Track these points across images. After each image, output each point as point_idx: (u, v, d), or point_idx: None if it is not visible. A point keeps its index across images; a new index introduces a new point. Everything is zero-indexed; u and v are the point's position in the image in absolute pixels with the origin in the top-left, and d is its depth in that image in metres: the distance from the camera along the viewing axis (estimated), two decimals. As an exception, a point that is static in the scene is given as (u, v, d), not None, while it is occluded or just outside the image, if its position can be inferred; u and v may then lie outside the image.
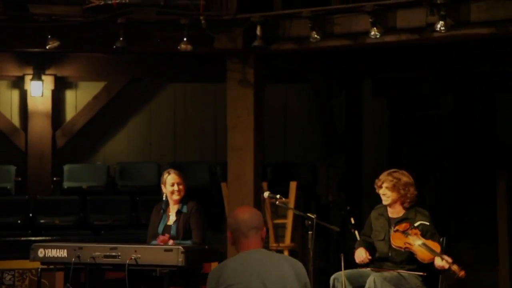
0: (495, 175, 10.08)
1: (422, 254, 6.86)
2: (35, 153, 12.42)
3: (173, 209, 7.92)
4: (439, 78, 11.63)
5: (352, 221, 10.37)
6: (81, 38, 9.18)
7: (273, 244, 9.51)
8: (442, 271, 6.81)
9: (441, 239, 6.95)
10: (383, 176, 7.09)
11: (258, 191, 8.86)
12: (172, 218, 7.90)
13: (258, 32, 8.51)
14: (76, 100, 13.02)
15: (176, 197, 7.87)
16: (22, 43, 9.38)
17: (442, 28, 7.77)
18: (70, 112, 12.97)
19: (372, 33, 8.07)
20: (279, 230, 9.82)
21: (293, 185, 9.75)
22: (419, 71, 11.14)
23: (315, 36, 8.33)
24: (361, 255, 7.20)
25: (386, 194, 7.05)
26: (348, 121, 12.27)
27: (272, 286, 4.62)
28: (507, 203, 10.13)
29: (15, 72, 12.47)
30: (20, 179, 12.38)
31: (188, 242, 7.71)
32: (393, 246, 7.01)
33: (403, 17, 8.11)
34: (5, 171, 12.36)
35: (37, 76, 12.36)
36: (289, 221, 9.80)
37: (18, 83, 12.69)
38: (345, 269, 7.07)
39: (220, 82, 10.09)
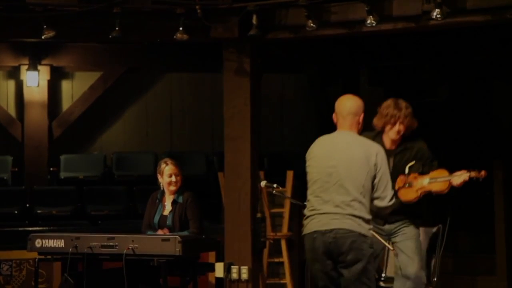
0: (492, 164, 10.08)
1: (437, 187, 6.53)
2: (32, 143, 12.41)
3: (168, 199, 7.92)
4: (436, 66, 11.62)
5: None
6: (77, 28, 9.15)
7: (270, 233, 9.52)
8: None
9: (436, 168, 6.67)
10: (394, 111, 6.73)
11: (255, 181, 8.85)
12: (168, 208, 7.91)
13: (254, 21, 8.49)
14: (72, 90, 13.01)
15: (173, 188, 7.87)
16: (18, 33, 9.35)
17: (438, 16, 7.75)
18: (66, 102, 12.96)
19: (368, 21, 8.06)
20: (276, 219, 9.83)
21: (290, 174, 9.76)
22: (415, 60, 11.13)
23: (311, 25, 8.31)
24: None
25: (400, 131, 6.73)
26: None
27: (340, 164, 5.57)
28: (504, 191, 10.13)
29: (11, 62, 12.46)
30: (16, 169, 12.38)
31: (185, 233, 7.72)
32: (409, 203, 6.63)
33: (399, 5, 8.10)
34: (1, 162, 12.36)
35: (33, 66, 12.36)
36: (286, 210, 9.81)
37: (14, 73, 12.68)
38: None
39: (216, 72, 10.07)
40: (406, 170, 6.67)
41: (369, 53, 11.28)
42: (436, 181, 6.57)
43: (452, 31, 9.43)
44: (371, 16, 8.02)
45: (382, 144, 6.63)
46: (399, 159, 6.72)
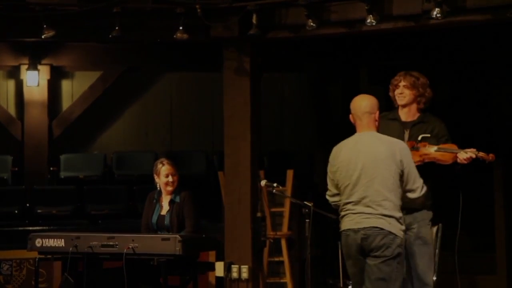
0: (491, 162, 10.07)
1: (443, 156, 6.50)
2: (32, 143, 12.41)
3: (166, 199, 7.92)
4: (436, 65, 11.62)
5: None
6: (77, 28, 9.15)
7: (270, 233, 9.52)
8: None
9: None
10: (399, 76, 6.74)
11: (255, 180, 8.85)
12: (165, 208, 7.89)
13: (254, 20, 8.49)
14: (72, 90, 13.02)
15: (170, 188, 7.86)
16: (18, 33, 9.36)
17: (438, 15, 7.75)
18: (66, 101, 12.96)
19: (368, 20, 8.06)
20: (276, 219, 9.84)
21: (290, 173, 9.76)
22: (415, 59, 11.13)
23: (311, 24, 8.31)
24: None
25: (403, 93, 6.68)
26: (345, 109, 12.22)
27: (367, 165, 5.77)
28: (504, 191, 10.14)
29: (10, 62, 12.46)
30: (16, 169, 12.38)
31: (181, 233, 7.70)
32: None
33: (399, 4, 8.10)
34: (1, 161, 12.36)
35: (33, 66, 12.36)
36: (286, 210, 9.81)
37: (14, 73, 12.68)
38: (342, 257, 7.05)
39: (216, 71, 10.08)
40: (419, 138, 6.62)
41: (369, 52, 11.28)
42: (443, 151, 6.52)
43: (452, 30, 9.44)
44: (371, 15, 8.02)
45: (398, 117, 6.67)
46: (415, 132, 6.63)
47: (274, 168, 11.35)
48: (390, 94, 6.80)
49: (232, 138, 9.06)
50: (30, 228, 10.63)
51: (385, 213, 5.78)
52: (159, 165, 7.91)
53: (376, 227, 5.77)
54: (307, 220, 6.84)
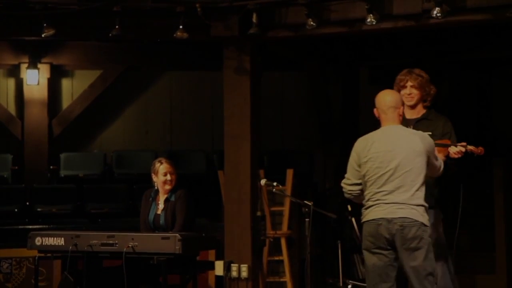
0: (492, 162, 10.08)
1: (438, 152, 6.43)
2: (32, 141, 12.42)
3: (162, 198, 7.91)
4: (435, 64, 11.63)
5: (349, 208, 10.39)
6: (77, 26, 9.15)
7: (270, 232, 9.53)
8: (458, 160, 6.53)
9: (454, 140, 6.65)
10: (404, 75, 6.74)
11: (255, 179, 8.86)
12: (161, 207, 7.89)
13: (254, 19, 8.49)
14: (72, 88, 13.02)
15: (168, 186, 7.85)
16: (18, 31, 9.36)
17: (438, 15, 7.76)
18: (66, 100, 12.97)
19: (368, 20, 8.06)
20: (276, 218, 9.84)
21: (289, 172, 9.76)
22: (415, 58, 11.13)
23: (311, 23, 8.31)
24: None
25: (412, 93, 6.70)
26: (345, 109, 12.27)
27: (403, 157, 5.84)
28: (504, 190, 10.14)
29: (10, 60, 12.46)
30: (16, 167, 12.38)
31: None
32: None
33: (399, 3, 8.10)
34: (1, 160, 12.36)
35: (33, 65, 12.36)
36: (286, 209, 9.81)
37: (14, 71, 12.69)
38: (341, 256, 7.06)
39: (216, 70, 10.08)
40: None
41: (369, 52, 11.28)
42: (437, 146, 6.46)
43: (452, 29, 9.44)
44: (371, 15, 8.02)
45: (404, 115, 6.57)
46: (418, 129, 6.57)
47: (274, 167, 11.36)
48: (395, 90, 6.71)
49: (232, 137, 9.06)
50: (30, 226, 10.64)
51: (418, 203, 5.87)
52: (157, 164, 7.90)
53: (411, 218, 5.83)
54: (307, 219, 6.85)
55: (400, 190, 5.86)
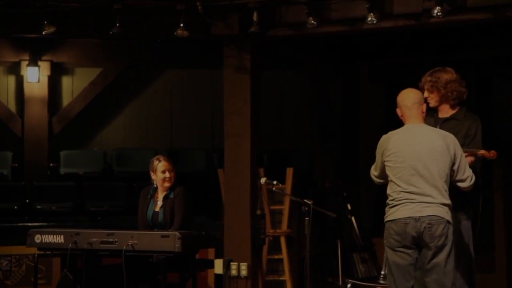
0: (491, 161, 10.07)
1: None
2: (32, 139, 12.41)
3: (161, 195, 7.90)
4: (436, 63, 11.62)
5: (349, 207, 10.40)
6: (78, 24, 9.15)
7: (270, 230, 9.52)
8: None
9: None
10: (423, 78, 6.75)
11: (255, 177, 8.86)
12: (159, 204, 7.89)
13: (254, 18, 8.49)
14: (73, 86, 13.01)
15: (167, 184, 7.85)
16: (18, 29, 9.36)
17: (439, 14, 7.76)
18: (66, 98, 12.96)
19: (369, 18, 8.06)
20: (276, 216, 9.84)
21: (289, 171, 9.76)
22: (416, 57, 11.12)
23: (312, 22, 8.31)
24: None
25: (428, 96, 6.70)
26: (345, 108, 12.27)
27: (425, 155, 5.92)
28: (503, 190, 10.14)
29: (11, 57, 12.45)
30: (16, 165, 12.38)
31: None
32: None
33: (400, 2, 8.10)
34: (1, 157, 12.36)
35: (33, 62, 12.35)
36: (285, 207, 9.81)
37: (14, 68, 12.68)
38: (341, 255, 7.06)
39: (216, 69, 10.08)
40: None
41: (369, 50, 11.28)
42: None
43: (453, 28, 9.44)
44: (371, 14, 8.03)
45: (435, 112, 6.69)
46: (445, 128, 6.55)
47: (274, 165, 11.36)
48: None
49: (232, 136, 9.06)
50: (30, 224, 10.65)
51: (443, 202, 5.95)
52: (156, 162, 7.90)
53: (438, 216, 5.91)
54: (306, 218, 6.86)
55: (426, 190, 5.93)
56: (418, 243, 5.94)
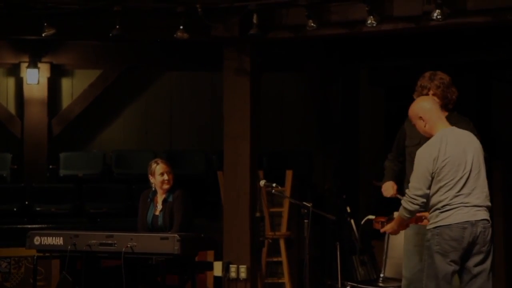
0: (491, 164, 10.08)
1: None
2: (31, 140, 12.41)
3: (160, 199, 7.90)
4: (436, 66, 11.63)
5: (348, 209, 10.39)
6: (77, 26, 9.16)
7: (269, 233, 9.52)
8: None
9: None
10: (426, 82, 6.61)
11: (254, 180, 8.86)
12: (159, 208, 7.88)
13: (254, 20, 8.49)
14: (72, 88, 13.02)
15: (166, 186, 7.84)
16: (18, 31, 9.36)
17: (438, 17, 7.76)
18: (66, 100, 12.96)
19: (369, 21, 8.06)
20: (275, 219, 9.84)
21: (289, 173, 9.76)
22: (415, 60, 11.13)
23: (312, 24, 8.32)
24: (388, 191, 6.75)
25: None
26: (345, 110, 12.27)
27: (474, 158, 5.87)
28: (502, 192, 10.15)
29: (11, 59, 12.45)
30: (16, 166, 12.38)
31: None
32: None
33: (400, 5, 8.10)
34: (1, 159, 12.36)
35: (33, 64, 12.36)
36: (285, 210, 9.81)
37: (14, 70, 12.68)
38: (340, 258, 7.05)
39: (216, 71, 10.08)
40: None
41: (369, 53, 11.28)
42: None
43: (452, 31, 9.44)
44: (371, 17, 8.03)
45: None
46: None
47: (273, 168, 11.37)
48: (415, 96, 6.62)
49: (232, 138, 9.07)
50: (29, 226, 10.64)
51: (488, 205, 5.93)
52: (154, 165, 7.89)
53: (488, 220, 5.88)
54: (306, 221, 6.85)
55: (476, 192, 5.86)
56: (467, 249, 5.82)
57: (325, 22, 8.42)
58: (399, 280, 6.95)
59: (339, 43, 10.76)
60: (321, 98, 12.24)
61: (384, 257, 7.56)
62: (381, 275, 7.61)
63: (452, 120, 6.64)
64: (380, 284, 7.55)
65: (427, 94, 6.59)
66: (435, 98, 6.56)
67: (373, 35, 8.93)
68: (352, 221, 10.21)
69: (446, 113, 6.67)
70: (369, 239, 10.48)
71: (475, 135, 6.54)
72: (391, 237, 7.37)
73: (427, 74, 6.69)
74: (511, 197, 10.37)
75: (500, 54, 10.65)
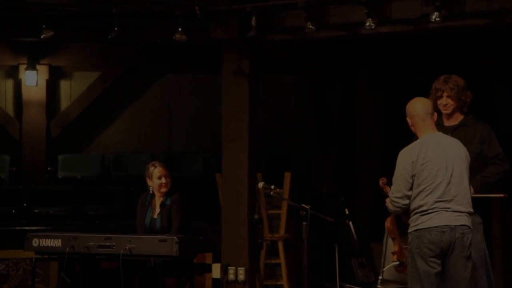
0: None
1: None
2: (30, 142, 12.40)
3: (158, 202, 7.89)
4: (434, 69, 11.64)
5: (347, 212, 10.40)
6: (76, 28, 9.18)
7: (267, 235, 9.52)
8: None
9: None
10: (440, 85, 6.65)
11: (253, 182, 8.86)
12: (157, 211, 7.88)
13: (253, 22, 8.49)
14: (71, 90, 13.01)
15: (163, 189, 7.83)
16: (17, 33, 9.38)
17: (437, 19, 7.76)
18: (64, 101, 12.95)
19: (367, 24, 8.06)
20: (273, 221, 9.84)
21: (287, 176, 9.76)
22: (414, 62, 11.14)
23: (310, 26, 8.32)
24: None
25: (448, 104, 6.65)
26: (343, 112, 12.28)
27: (455, 164, 5.91)
28: (501, 192, 10.13)
29: (9, 61, 12.44)
30: (14, 168, 12.36)
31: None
32: None
33: (398, 8, 8.11)
34: (-1, 161, 12.36)
35: (31, 66, 12.35)
36: (283, 212, 9.81)
37: (12, 72, 12.67)
38: (338, 260, 7.05)
39: (215, 73, 10.08)
40: None
41: (367, 55, 11.29)
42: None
43: (451, 34, 9.44)
44: (370, 19, 8.03)
45: (441, 122, 6.59)
46: (457, 136, 6.48)
47: (272, 170, 11.36)
48: (430, 98, 6.59)
49: (230, 140, 9.07)
50: (27, 228, 10.62)
51: (470, 211, 5.97)
52: (151, 168, 7.88)
53: (467, 225, 5.92)
54: (304, 223, 6.85)
55: (457, 198, 5.91)
56: (445, 253, 5.89)
57: (324, 24, 8.42)
58: (398, 283, 6.97)
59: (338, 45, 10.76)
60: (320, 100, 12.25)
61: (382, 260, 7.55)
62: (380, 277, 7.61)
63: (468, 123, 6.66)
64: (379, 286, 7.54)
65: (441, 97, 6.66)
66: (449, 100, 6.62)
67: (371, 37, 8.94)
68: (350, 223, 10.22)
69: (462, 116, 6.72)
70: (367, 241, 10.49)
71: (490, 136, 6.59)
72: (390, 239, 7.38)
73: (442, 77, 6.75)
74: (510, 197, 10.37)
75: (499, 57, 10.65)
